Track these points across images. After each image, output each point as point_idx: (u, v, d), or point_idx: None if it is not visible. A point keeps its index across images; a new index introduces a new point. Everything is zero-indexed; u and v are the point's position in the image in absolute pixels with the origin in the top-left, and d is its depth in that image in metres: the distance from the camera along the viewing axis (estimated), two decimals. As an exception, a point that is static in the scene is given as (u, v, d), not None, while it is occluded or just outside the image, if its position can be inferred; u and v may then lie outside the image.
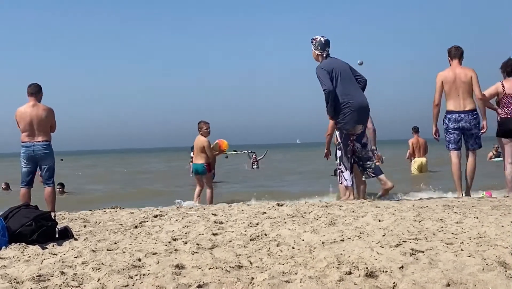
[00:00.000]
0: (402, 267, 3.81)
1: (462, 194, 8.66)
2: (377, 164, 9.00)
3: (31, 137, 8.48)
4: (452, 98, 8.64)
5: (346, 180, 8.37)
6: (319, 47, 8.42)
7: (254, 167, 28.27)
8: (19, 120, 8.50)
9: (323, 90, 8.08)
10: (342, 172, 8.41)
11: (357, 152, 8.45)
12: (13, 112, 8.66)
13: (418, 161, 17.71)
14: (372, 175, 8.48)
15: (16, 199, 8.57)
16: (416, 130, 17.83)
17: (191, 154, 19.46)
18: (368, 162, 8.51)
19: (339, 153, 8.43)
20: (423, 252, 4.25)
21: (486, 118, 8.76)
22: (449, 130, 8.71)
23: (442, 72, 8.77)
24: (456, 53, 8.81)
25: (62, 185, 15.76)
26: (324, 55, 8.43)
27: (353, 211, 6.63)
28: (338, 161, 8.53)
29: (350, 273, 3.68)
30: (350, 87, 8.21)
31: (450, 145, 8.79)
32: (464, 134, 8.70)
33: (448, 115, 8.71)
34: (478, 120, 8.65)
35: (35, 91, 8.62)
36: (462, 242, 4.53)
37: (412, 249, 4.29)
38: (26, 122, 8.44)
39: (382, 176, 8.48)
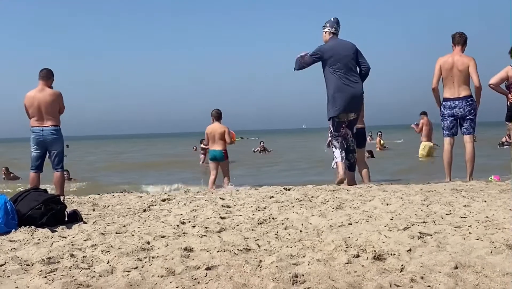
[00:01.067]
0: (410, 250, 3.82)
1: (449, 179, 8.71)
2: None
3: (40, 122, 8.49)
4: (447, 85, 8.75)
5: (336, 156, 8.48)
6: (327, 24, 8.48)
7: (261, 153, 28.36)
8: (28, 106, 8.51)
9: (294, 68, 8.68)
10: (333, 152, 8.54)
11: (346, 139, 8.52)
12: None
13: (427, 145, 17.66)
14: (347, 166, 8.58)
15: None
16: (425, 113, 17.78)
17: (202, 145, 19.44)
18: (350, 155, 8.70)
19: (331, 140, 8.58)
20: (431, 235, 4.26)
21: (479, 105, 8.80)
22: (444, 116, 8.83)
23: (442, 57, 8.81)
24: (460, 40, 8.79)
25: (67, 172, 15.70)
26: (331, 33, 8.44)
27: (361, 195, 6.63)
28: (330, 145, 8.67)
29: (358, 256, 3.70)
30: (347, 75, 8.23)
31: (444, 131, 8.97)
32: (459, 121, 8.76)
33: (444, 102, 8.83)
34: (474, 107, 8.69)
35: (45, 76, 8.62)
36: (470, 225, 4.53)
37: (420, 232, 4.29)
38: (34, 107, 8.45)
39: (350, 172, 8.73)
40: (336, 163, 8.50)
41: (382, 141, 25.34)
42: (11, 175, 17.37)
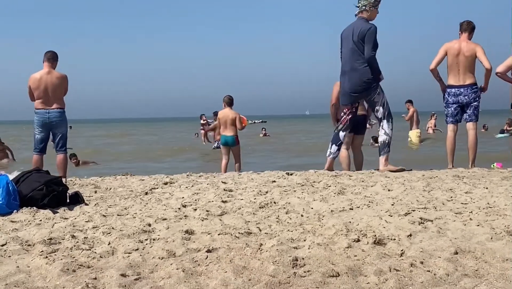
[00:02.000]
0: (411, 235, 3.83)
1: (452, 166, 8.67)
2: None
3: (46, 104, 8.47)
4: (452, 72, 8.67)
5: (329, 151, 8.54)
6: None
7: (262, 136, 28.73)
8: (34, 87, 8.49)
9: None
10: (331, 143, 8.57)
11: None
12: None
13: (417, 132, 17.95)
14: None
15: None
16: (410, 102, 18.10)
17: (201, 121, 19.34)
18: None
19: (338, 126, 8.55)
20: (431, 221, 4.27)
21: (487, 90, 8.75)
22: (448, 104, 8.77)
23: (449, 42, 8.74)
24: (467, 28, 8.73)
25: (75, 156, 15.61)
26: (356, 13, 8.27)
27: (363, 181, 6.63)
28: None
29: (358, 240, 3.70)
30: (350, 60, 8.14)
31: (448, 118, 8.88)
32: (463, 108, 8.72)
33: (448, 90, 8.76)
34: (478, 94, 8.64)
35: (52, 58, 8.59)
36: (471, 212, 4.53)
37: (421, 218, 4.30)
38: (40, 90, 8.42)
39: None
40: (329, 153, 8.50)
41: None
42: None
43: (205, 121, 20.09)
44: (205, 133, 19.93)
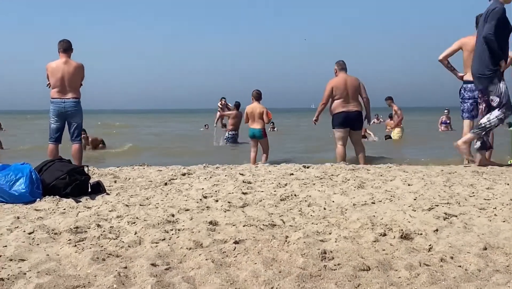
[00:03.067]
0: (437, 230, 3.82)
1: (468, 162, 8.62)
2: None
3: (62, 94, 8.49)
4: (468, 68, 8.57)
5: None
6: None
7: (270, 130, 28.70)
8: (50, 76, 8.52)
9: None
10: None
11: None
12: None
13: (397, 130, 18.17)
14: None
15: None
16: (391, 98, 18.18)
17: (219, 104, 19.17)
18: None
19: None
20: (456, 216, 4.25)
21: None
22: (464, 99, 8.70)
23: (464, 38, 8.68)
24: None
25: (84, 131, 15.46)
26: None
27: (381, 175, 6.62)
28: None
29: (384, 234, 3.70)
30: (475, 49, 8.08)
31: (464, 114, 8.78)
32: (479, 104, 8.64)
33: (464, 85, 8.70)
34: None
35: (67, 48, 8.61)
36: (495, 208, 4.51)
37: (445, 213, 4.29)
38: (57, 79, 8.44)
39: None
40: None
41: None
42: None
43: (224, 104, 19.69)
44: (221, 117, 19.67)
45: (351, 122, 9.77)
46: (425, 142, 16.34)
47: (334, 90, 9.83)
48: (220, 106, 19.20)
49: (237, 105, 17.62)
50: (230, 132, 17.30)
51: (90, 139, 15.61)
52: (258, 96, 11.56)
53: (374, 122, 20.03)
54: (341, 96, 9.78)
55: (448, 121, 24.24)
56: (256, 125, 11.40)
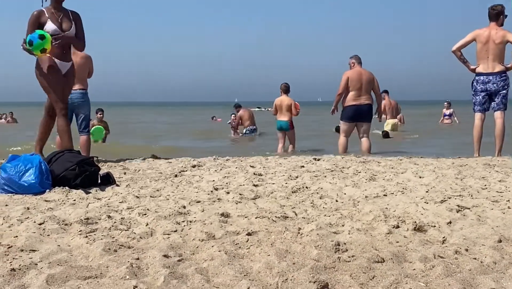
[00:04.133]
0: (450, 222, 3.78)
1: (478, 155, 8.58)
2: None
3: (69, 85, 8.48)
4: (481, 60, 8.54)
5: None
6: None
7: None
8: None
9: None
10: None
11: None
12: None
13: (390, 122, 18.24)
14: None
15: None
16: (386, 92, 18.26)
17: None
18: None
19: None
20: (469, 208, 4.21)
21: None
22: (476, 91, 8.65)
23: (479, 30, 8.62)
24: (491, 15, 8.58)
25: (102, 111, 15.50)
26: None
27: (392, 167, 6.58)
28: None
29: (398, 226, 3.66)
30: None
31: (475, 107, 8.73)
32: (491, 96, 8.59)
33: (477, 77, 8.65)
34: (507, 82, 8.52)
35: None
36: (508, 200, 4.47)
37: (458, 206, 4.25)
38: (64, 70, 8.43)
39: None
40: None
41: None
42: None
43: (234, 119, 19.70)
44: (235, 127, 19.67)
45: (361, 116, 10.03)
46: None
47: (349, 81, 10.01)
48: (232, 124, 19.17)
49: (238, 106, 17.88)
50: (247, 128, 17.45)
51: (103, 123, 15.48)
52: (286, 89, 11.98)
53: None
54: (354, 88, 10.08)
55: (449, 113, 24.27)
56: (284, 118, 11.86)
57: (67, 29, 6.99)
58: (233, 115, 19.68)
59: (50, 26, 6.84)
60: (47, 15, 6.88)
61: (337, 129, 17.50)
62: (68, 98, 7.32)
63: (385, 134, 16.50)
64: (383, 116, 19.50)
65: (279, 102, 11.99)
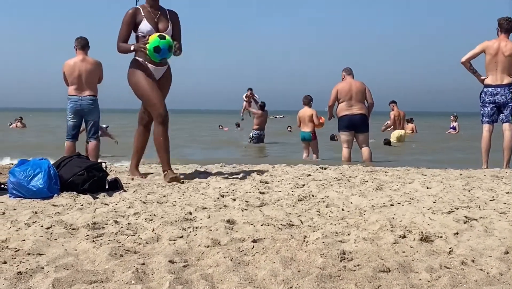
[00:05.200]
0: (457, 233, 3.77)
1: (487, 166, 8.55)
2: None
3: (79, 91, 8.53)
4: (490, 72, 8.53)
5: None
6: None
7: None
8: (67, 74, 8.55)
9: None
10: None
11: None
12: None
13: (397, 132, 18.16)
14: None
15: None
16: (395, 102, 18.28)
17: (244, 97, 19.05)
18: None
19: None
20: (476, 220, 4.19)
21: None
22: (485, 103, 8.63)
23: (489, 41, 8.59)
24: (508, 27, 8.55)
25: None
26: None
27: (399, 177, 6.57)
28: None
29: (404, 236, 3.65)
30: None
31: (483, 118, 8.72)
32: (500, 108, 8.57)
33: (485, 89, 8.63)
34: None
35: (85, 45, 8.65)
36: (516, 212, 4.45)
37: (465, 217, 4.23)
38: (74, 76, 8.48)
39: None
40: None
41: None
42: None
43: (250, 95, 19.45)
44: (247, 107, 19.51)
45: (355, 125, 10.28)
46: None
47: (339, 93, 10.49)
48: (246, 99, 19.05)
49: (262, 106, 17.83)
50: (255, 131, 17.52)
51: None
52: (306, 101, 12.37)
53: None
54: (345, 99, 10.56)
55: (454, 126, 24.91)
56: (306, 128, 12.21)
57: (163, 30, 6.29)
58: (250, 90, 19.49)
59: (145, 26, 6.25)
60: (142, 14, 6.28)
61: (332, 138, 17.67)
62: (165, 104, 6.47)
63: (387, 142, 16.56)
64: (390, 127, 19.60)
65: (301, 114, 12.35)
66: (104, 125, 14.14)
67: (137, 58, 6.34)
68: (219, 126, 33.26)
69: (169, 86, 6.65)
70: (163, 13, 6.41)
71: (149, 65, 6.30)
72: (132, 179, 6.36)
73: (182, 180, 6.15)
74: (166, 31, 6.28)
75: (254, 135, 17.59)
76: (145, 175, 6.71)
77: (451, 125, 25.18)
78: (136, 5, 6.44)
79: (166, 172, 6.24)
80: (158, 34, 6.01)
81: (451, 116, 25.82)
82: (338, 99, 10.55)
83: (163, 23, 6.35)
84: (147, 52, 6.00)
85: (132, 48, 6.18)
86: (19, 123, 30.55)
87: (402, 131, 18.52)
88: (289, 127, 29.03)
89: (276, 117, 60.33)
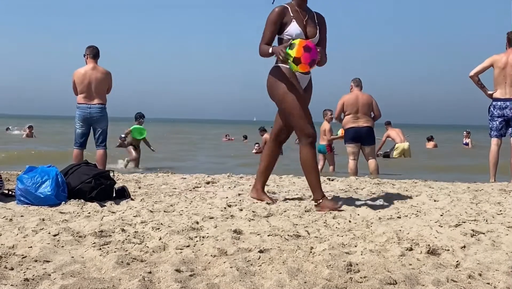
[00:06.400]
0: (464, 246, 3.75)
1: (494, 180, 8.52)
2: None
3: (88, 99, 8.59)
4: (499, 85, 8.50)
5: None
6: None
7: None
8: (78, 82, 8.61)
9: None
10: None
11: None
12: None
13: (400, 146, 17.75)
14: None
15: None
16: (389, 123, 18.21)
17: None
18: None
19: None
20: (484, 233, 4.17)
21: None
22: (493, 117, 8.61)
23: (497, 55, 8.58)
24: (511, 40, 8.55)
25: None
26: None
27: (407, 190, 6.55)
28: None
29: (411, 249, 3.64)
30: None
31: (492, 132, 8.69)
32: (508, 122, 8.55)
33: (494, 103, 8.60)
34: None
35: (96, 54, 8.72)
36: (524, 226, 4.42)
37: (473, 230, 4.21)
38: (84, 84, 8.55)
39: None
40: None
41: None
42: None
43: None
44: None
45: (361, 138, 10.24)
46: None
47: (345, 106, 10.48)
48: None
49: (263, 130, 18.16)
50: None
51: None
52: (323, 114, 12.96)
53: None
54: (351, 112, 10.50)
55: (467, 142, 25.76)
56: (322, 141, 12.75)
57: (311, 35, 5.29)
58: (256, 145, 19.68)
59: (294, 28, 5.21)
60: (291, 14, 5.26)
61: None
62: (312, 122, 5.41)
63: (386, 155, 16.56)
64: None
65: (321, 127, 12.71)
66: (123, 135, 13.96)
67: (282, 65, 5.30)
68: (226, 135, 33.32)
69: (310, 98, 5.62)
70: (310, 16, 5.41)
71: (297, 73, 5.29)
72: (140, 188, 6.36)
73: (342, 208, 5.16)
74: (314, 37, 5.32)
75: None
76: (274, 200, 5.61)
77: (464, 141, 25.87)
78: (273, 3, 5.47)
79: (320, 201, 5.18)
80: (304, 43, 4.99)
81: (464, 132, 26.58)
82: (344, 112, 10.57)
83: (311, 28, 5.36)
84: (286, 58, 5.01)
85: (270, 51, 5.19)
86: (28, 132, 30.42)
87: (406, 144, 18.25)
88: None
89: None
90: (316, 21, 5.41)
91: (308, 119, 5.25)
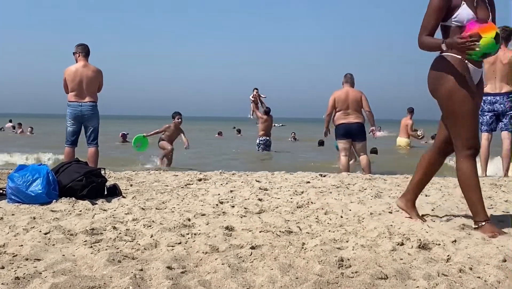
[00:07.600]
0: (455, 241, 3.76)
1: (485, 174, 8.56)
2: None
3: (79, 97, 8.54)
4: (489, 80, 8.53)
5: None
6: None
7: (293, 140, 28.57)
8: (69, 80, 8.56)
9: None
10: None
11: None
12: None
13: (397, 141, 18.96)
14: None
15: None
16: (411, 111, 18.54)
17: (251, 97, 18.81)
18: None
19: None
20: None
21: None
22: (483, 112, 8.63)
23: None
24: (504, 35, 8.56)
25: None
26: None
27: (398, 185, 6.58)
28: None
29: (402, 244, 3.65)
30: None
31: (482, 127, 8.72)
32: (498, 117, 8.58)
33: (484, 97, 8.60)
34: None
35: (87, 52, 8.68)
36: (514, 220, 4.45)
37: (464, 224, 4.22)
38: (75, 82, 8.50)
39: None
40: None
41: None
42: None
43: (257, 95, 18.96)
44: (255, 109, 19.12)
45: (352, 134, 10.30)
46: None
47: (336, 102, 10.44)
48: (253, 98, 18.69)
49: (267, 111, 17.45)
50: (261, 138, 17.13)
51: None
52: None
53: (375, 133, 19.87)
54: (342, 108, 10.45)
55: None
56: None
57: (483, 19, 4.16)
58: (256, 90, 18.98)
59: (466, 13, 4.10)
60: None
61: (320, 143, 17.71)
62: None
63: (374, 151, 16.67)
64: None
65: None
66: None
67: (449, 54, 4.21)
68: (219, 133, 33.22)
69: (481, 97, 4.55)
70: None
71: (469, 65, 4.21)
72: (131, 185, 6.35)
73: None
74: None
75: (261, 142, 17.12)
76: (423, 218, 4.56)
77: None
78: None
79: (483, 223, 4.13)
80: (495, 30, 4.03)
81: None
82: (335, 108, 10.55)
83: (483, 11, 4.27)
84: (473, 52, 4.01)
85: (443, 46, 4.13)
86: (21, 129, 30.41)
87: (403, 141, 18.68)
88: (293, 134, 29.09)
89: (274, 125, 60.22)
90: (487, 2, 4.34)
91: (475, 126, 4.23)
